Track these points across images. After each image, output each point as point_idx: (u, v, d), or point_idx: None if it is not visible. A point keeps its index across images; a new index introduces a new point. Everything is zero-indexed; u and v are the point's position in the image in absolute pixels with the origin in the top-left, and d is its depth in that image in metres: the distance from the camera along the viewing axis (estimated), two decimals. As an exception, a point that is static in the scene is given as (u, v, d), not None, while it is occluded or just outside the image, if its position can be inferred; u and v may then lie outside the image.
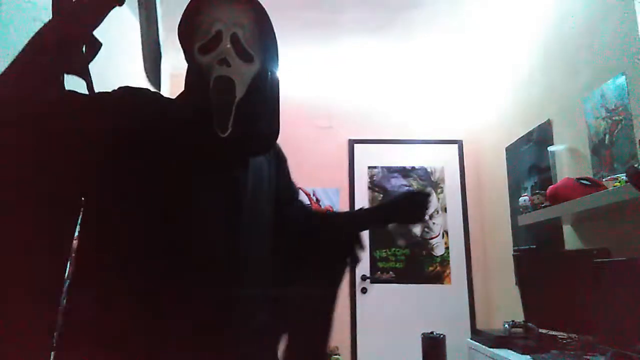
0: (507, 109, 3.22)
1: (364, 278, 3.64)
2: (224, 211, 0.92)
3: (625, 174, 1.59)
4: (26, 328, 0.80)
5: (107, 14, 1.00)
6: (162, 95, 1.02)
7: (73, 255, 0.91)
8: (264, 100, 0.96)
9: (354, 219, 1.28)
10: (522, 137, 2.93)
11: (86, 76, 0.98)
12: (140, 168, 0.88)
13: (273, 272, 1.03)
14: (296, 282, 1.09)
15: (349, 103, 3.98)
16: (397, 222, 1.29)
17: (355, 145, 3.92)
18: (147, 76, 1.03)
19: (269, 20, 0.96)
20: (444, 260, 3.71)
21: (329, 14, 3.23)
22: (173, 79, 4.11)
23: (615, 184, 1.72)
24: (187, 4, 0.96)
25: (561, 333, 2.05)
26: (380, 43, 3.60)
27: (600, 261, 1.83)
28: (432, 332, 2.79)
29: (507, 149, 3.19)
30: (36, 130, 0.82)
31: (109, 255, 0.86)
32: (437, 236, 3.76)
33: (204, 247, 0.89)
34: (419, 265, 3.71)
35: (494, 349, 2.20)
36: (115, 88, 1.00)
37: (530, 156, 2.84)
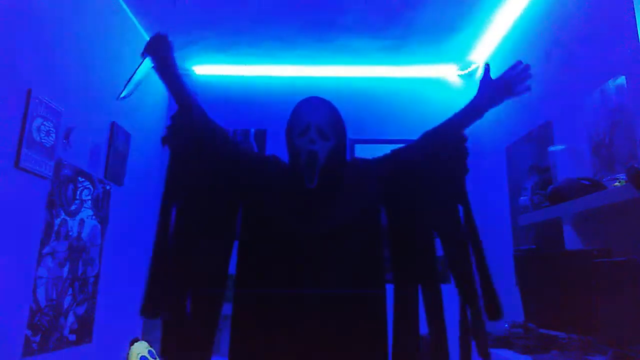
0: (507, 109, 3.21)
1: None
2: (310, 227, 1.34)
3: (625, 174, 1.59)
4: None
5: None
6: (270, 158, 1.51)
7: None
8: (336, 161, 1.39)
9: (453, 126, 1.48)
10: (522, 137, 2.93)
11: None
12: (263, 205, 1.40)
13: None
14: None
15: (349, 103, 3.97)
16: (493, 106, 1.47)
17: (355, 145, 3.92)
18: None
19: (339, 113, 1.43)
20: (444, 260, 3.70)
21: (329, 15, 3.23)
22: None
23: (615, 184, 1.72)
24: (292, 109, 1.44)
25: (561, 333, 2.05)
26: (380, 43, 3.60)
27: (600, 261, 1.82)
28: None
29: (507, 149, 3.18)
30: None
31: (249, 263, 1.37)
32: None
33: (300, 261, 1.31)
34: (419, 265, 3.69)
35: (494, 349, 2.20)
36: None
37: (530, 156, 2.83)
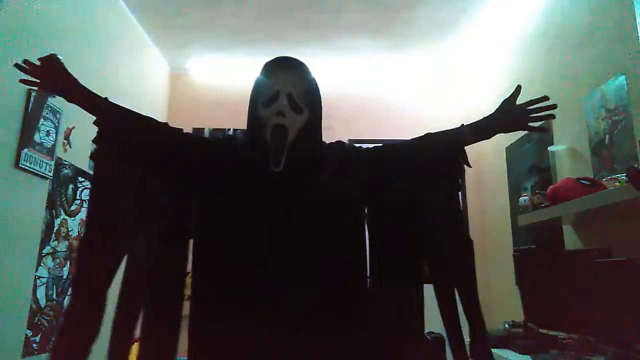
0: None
1: (364, 278, 3.63)
2: (277, 222, 1.14)
3: (625, 174, 1.59)
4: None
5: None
6: (222, 138, 1.35)
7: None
8: (310, 140, 1.20)
9: (456, 137, 1.27)
10: (522, 137, 2.93)
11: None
12: (217, 196, 1.18)
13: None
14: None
15: (349, 103, 3.98)
16: (504, 132, 1.29)
17: (355, 145, 3.91)
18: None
19: (315, 81, 1.23)
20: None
21: (329, 14, 3.23)
22: (172, 78, 4.11)
23: (615, 184, 1.72)
24: (259, 72, 1.23)
25: (561, 333, 2.05)
26: (380, 43, 3.60)
27: (600, 261, 1.82)
28: (432, 332, 2.79)
29: (507, 149, 3.18)
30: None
31: (204, 260, 1.16)
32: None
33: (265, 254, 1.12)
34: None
35: (494, 349, 2.20)
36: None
37: (530, 156, 2.84)
